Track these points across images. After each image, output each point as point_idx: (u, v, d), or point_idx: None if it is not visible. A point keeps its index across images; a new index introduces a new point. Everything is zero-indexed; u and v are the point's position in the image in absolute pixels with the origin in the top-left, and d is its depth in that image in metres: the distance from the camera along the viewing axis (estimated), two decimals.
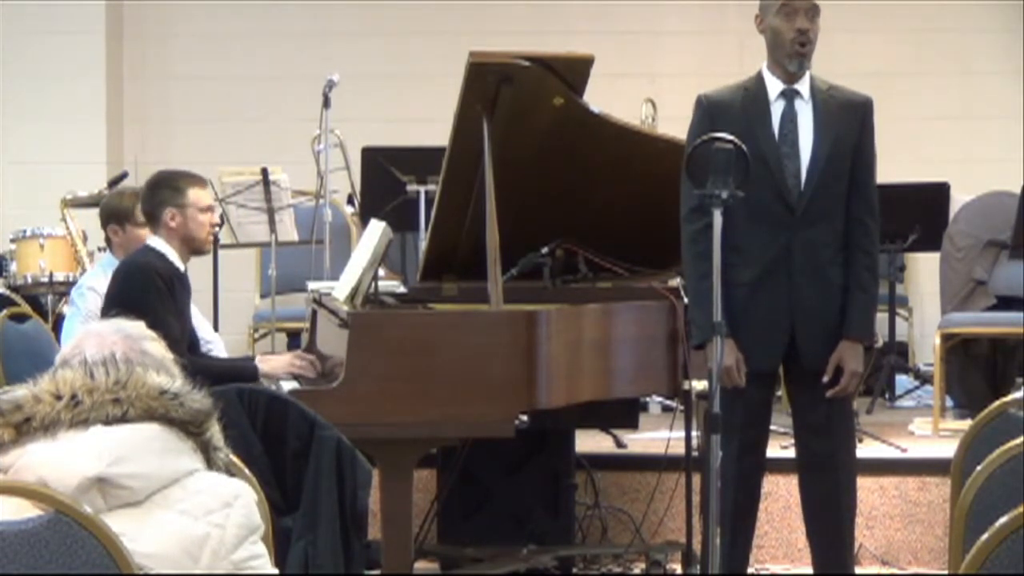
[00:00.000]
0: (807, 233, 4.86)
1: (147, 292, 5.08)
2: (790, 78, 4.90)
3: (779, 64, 4.89)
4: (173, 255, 5.28)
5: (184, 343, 5.17)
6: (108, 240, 6.08)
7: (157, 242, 5.31)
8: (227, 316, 7.99)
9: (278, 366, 5.33)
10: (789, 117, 4.89)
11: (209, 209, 5.39)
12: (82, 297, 5.89)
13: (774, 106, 4.90)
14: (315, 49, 9.03)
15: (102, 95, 9.04)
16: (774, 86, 4.91)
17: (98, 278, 5.88)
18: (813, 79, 4.94)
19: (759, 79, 4.93)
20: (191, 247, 5.35)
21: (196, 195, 5.33)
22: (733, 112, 4.87)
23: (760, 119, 4.87)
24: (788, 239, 4.85)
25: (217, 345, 6.06)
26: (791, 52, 4.85)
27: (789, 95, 4.90)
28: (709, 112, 4.89)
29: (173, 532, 2.51)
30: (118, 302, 4.96)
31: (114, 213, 6.03)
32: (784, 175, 4.85)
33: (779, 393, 5.29)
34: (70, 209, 7.67)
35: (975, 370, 7.21)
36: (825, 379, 4.84)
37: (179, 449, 2.58)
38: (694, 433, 5.50)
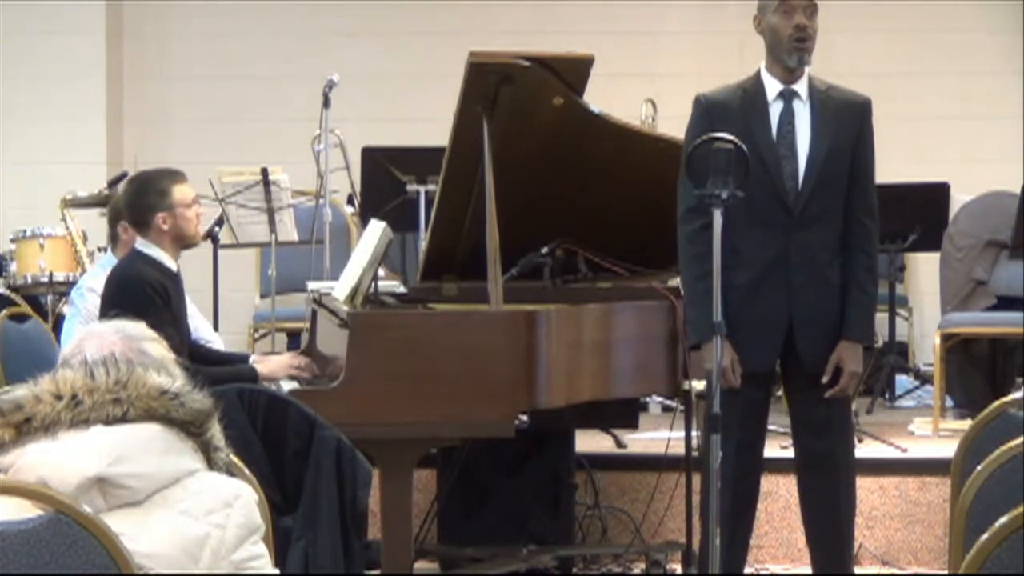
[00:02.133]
0: (805, 234, 4.85)
1: (142, 306, 5.01)
2: (789, 78, 4.89)
3: (778, 62, 4.89)
4: (164, 256, 5.26)
5: (184, 351, 5.15)
6: (114, 237, 6.06)
7: (146, 245, 5.28)
8: (227, 316, 7.99)
9: (276, 369, 5.32)
10: (787, 118, 4.89)
11: (195, 202, 5.36)
12: (82, 297, 5.88)
13: (772, 106, 4.90)
14: (315, 49, 9.03)
15: (102, 95, 9.04)
16: (772, 86, 4.91)
17: (98, 278, 5.87)
18: (811, 79, 4.94)
19: (757, 79, 4.93)
20: (182, 244, 5.33)
21: (181, 193, 5.30)
22: (731, 112, 4.86)
23: (758, 119, 4.87)
24: (786, 240, 4.85)
25: (216, 345, 6.06)
26: (790, 48, 4.84)
27: (787, 95, 4.90)
28: (707, 112, 4.89)
29: (173, 532, 2.51)
30: (113, 310, 4.92)
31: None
32: (782, 176, 4.84)
33: (779, 393, 5.29)
34: (70, 209, 7.67)
35: (975, 370, 7.21)
36: (825, 379, 4.84)
37: (179, 449, 2.58)
38: (694, 433, 5.50)
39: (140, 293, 5.10)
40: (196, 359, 5.17)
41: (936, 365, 6.92)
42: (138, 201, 5.33)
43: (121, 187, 7.18)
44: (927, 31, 8.93)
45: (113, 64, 9.14)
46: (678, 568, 5.82)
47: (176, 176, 5.36)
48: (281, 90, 9.06)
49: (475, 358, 4.78)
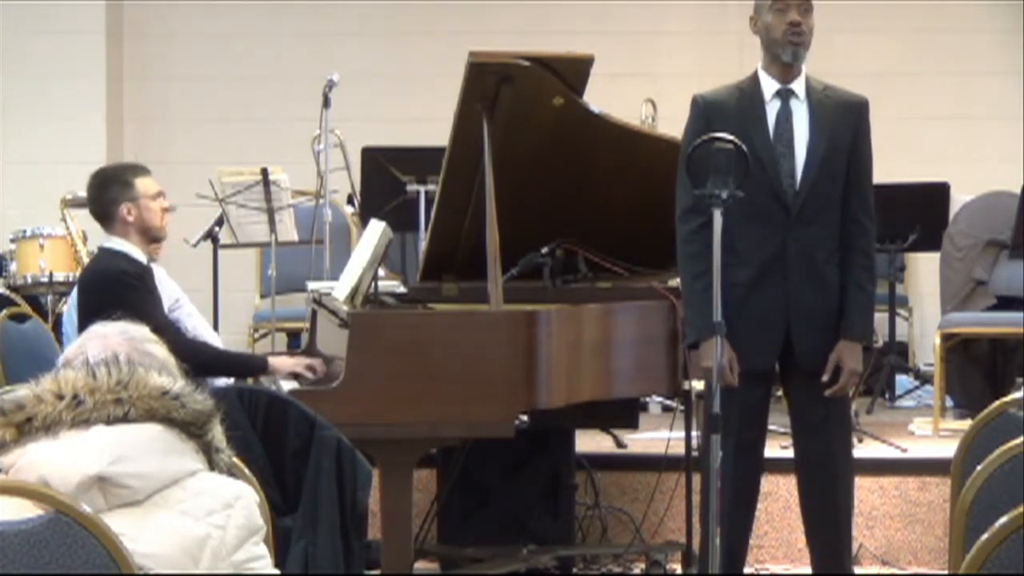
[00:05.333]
0: (802, 233, 4.86)
1: (125, 296, 4.99)
2: (786, 77, 4.90)
3: (774, 59, 4.90)
4: (134, 251, 5.27)
5: (173, 328, 5.16)
6: None
7: (115, 242, 5.29)
8: (227, 316, 8.00)
9: (282, 364, 5.32)
10: (784, 117, 4.90)
11: (159, 195, 5.35)
12: None
13: (769, 106, 4.91)
14: (315, 49, 9.03)
15: (102, 95, 9.04)
16: (769, 86, 4.91)
17: None
18: (808, 79, 4.94)
19: (754, 79, 4.94)
20: (149, 236, 5.32)
21: (144, 185, 5.30)
22: (728, 112, 4.87)
23: (755, 119, 4.87)
24: (783, 239, 4.85)
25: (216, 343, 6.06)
26: (784, 43, 4.85)
27: (784, 95, 4.91)
28: (704, 112, 4.90)
29: (173, 532, 2.51)
30: (98, 311, 4.91)
31: None
32: (779, 175, 4.85)
33: (779, 393, 5.29)
34: (70, 209, 7.66)
35: (975, 370, 7.21)
36: (824, 378, 4.85)
37: (180, 450, 2.58)
38: (694, 433, 5.50)
39: (119, 283, 5.10)
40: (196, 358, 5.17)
41: (936, 365, 6.92)
42: (101, 194, 5.32)
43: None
44: (927, 31, 8.93)
45: (113, 64, 9.13)
46: (678, 568, 5.82)
47: (138, 169, 5.37)
48: (281, 90, 9.06)
49: (475, 358, 4.78)
